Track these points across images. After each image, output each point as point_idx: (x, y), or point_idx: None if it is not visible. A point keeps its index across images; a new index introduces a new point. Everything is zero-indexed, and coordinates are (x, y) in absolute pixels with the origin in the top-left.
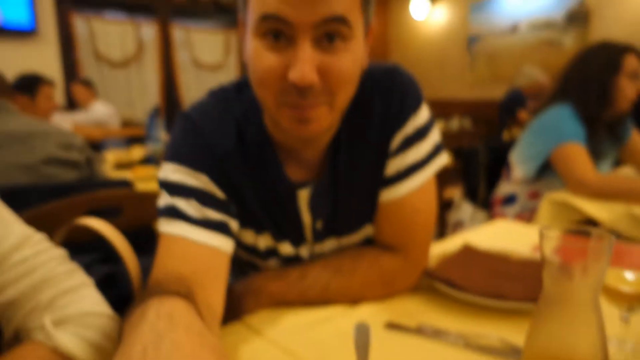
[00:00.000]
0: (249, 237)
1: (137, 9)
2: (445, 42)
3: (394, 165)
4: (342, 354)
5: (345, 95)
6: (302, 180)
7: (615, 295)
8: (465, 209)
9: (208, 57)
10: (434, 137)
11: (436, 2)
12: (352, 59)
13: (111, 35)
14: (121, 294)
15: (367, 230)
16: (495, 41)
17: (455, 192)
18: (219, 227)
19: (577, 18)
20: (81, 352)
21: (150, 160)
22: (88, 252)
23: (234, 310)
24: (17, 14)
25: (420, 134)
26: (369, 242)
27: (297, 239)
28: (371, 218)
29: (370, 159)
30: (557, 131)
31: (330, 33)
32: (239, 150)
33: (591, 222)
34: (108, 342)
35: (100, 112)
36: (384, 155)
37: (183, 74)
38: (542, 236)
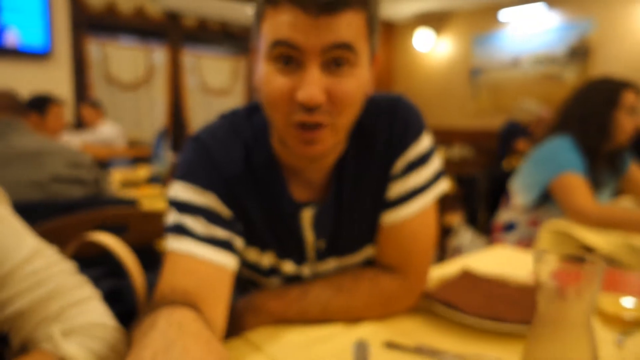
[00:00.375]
0: (253, 254)
1: (150, 34)
2: (449, 74)
3: (396, 189)
4: None
5: (348, 117)
6: (306, 200)
7: (611, 320)
8: (465, 235)
9: (216, 82)
10: (435, 164)
11: (440, 34)
12: (356, 84)
13: (123, 58)
14: (126, 309)
15: (368, 251)
16: (497, 74)
17: (455, 218)
18: (225, 245)
19: (578, 53)
20: None
21: (155, 180)
22: (95, 266)
23: (235, 326)
24: (33, 37)
25: (422, 160)
26: (369, 263)
27: (300, 258)
28: (372, 239)
29: (373, 182)
30: (557, 161)
31: (337, 58)
32: (247, 172)
33: (590, 250)
34: (113, 354)
35: (107, 132)
36: (387, 179)
37: (191, 97)
38: (537, 259)
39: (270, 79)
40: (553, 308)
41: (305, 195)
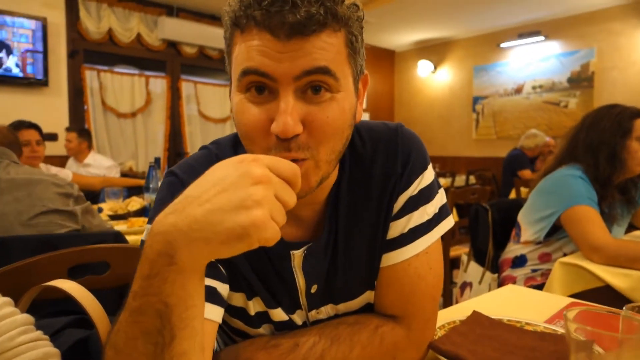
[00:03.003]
0: (239, 301)
1: (148, 63)
2: (450, 102)
3: (397, 227)
4: None
5: (331, 149)
6: (296, 241)
7: None
8: (473, 270)
9: (214, 110)
10: (440, 198)
11: (441, 63)
12: (339, 110)
13: (121, 87)
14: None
15: (367, 297)
16: (499, 101)
17: (461, 251)
18: (207, 295)
19: (581, 80)
20: None
21: (147, 212)
22: (63, 313)
23: None
24: (30, 65)
25: (426, 196)
26: (369, 310)
27: (291, 305)
28: (371, 284)
29: (371, 220)
30: (567, 193)
31: (314, 84)
32: None
33: (608, 288)
34: None
35: (97, 165)
36: (386, 217)
37: (189, 125)
38: (567, 319)
39: (243, 110)
40: None
41: (295, 235)
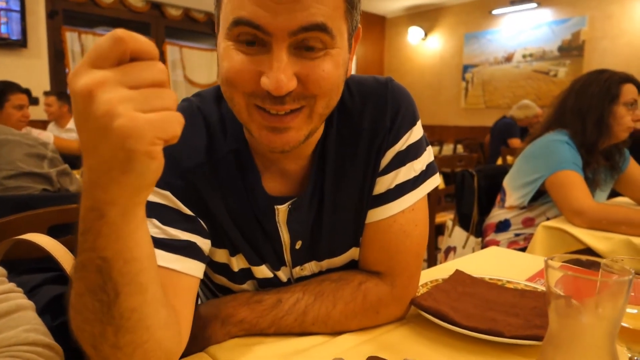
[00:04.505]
0: (222, 257)
1: (132, 25)
2: (440, 70)
3: (384, 183)
4: None
5: (327, 102)
6: (282, 195)
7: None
8: (457, 235)
9: (201, 76)
10: (428, 155)
11: (432, 30)
12: (334, 65)
13: None
14: None
15: (351, 254)
16: (489, 70)
17: (446, 217)
18: (185, 249)
19: (572, 49)
20: None
21: None
22: (45, 270)
23: (199, 338)
24: (8, 26)
25: (414, 152)
26: (353, 267)
27: (275, 262)
28: (356, 240)
29: (357, 175)
30: (553, 158)
31: (309, 44)
32: (209, 162)
33: (589, 252)
34: None
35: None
36: (373, 172)
37: (175, 92)
38: (547, 267)
39: (230, 56)
40: (567, 325)
41: (281, 189)
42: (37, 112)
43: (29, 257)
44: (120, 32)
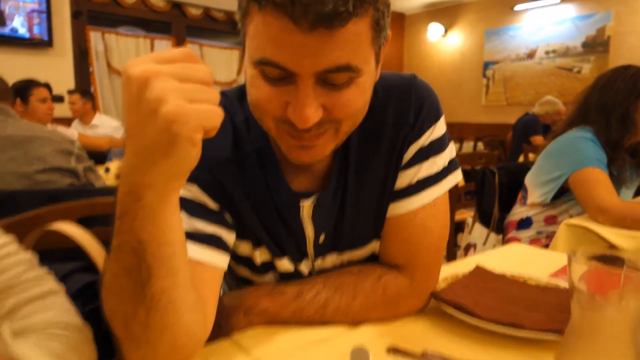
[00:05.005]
0: (245, 249)
1: (154, 24)
2: (461, 66)
3: (406, 178)
4: None
5: (353, 122)
6: (305, 190)
7: None
8: (477, 232)
9: (221, 73)
10: (450, 151)
11: (452, 26)
12: (360, 93)
13: (127, 49)
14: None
15: (372, 247)
16: (511, 66)
17: (466, 215)
18: (211, 241)
19: (597, 45)
20: None
21: None
22: (74, 259)
23: (223, 326)
24: (34, 25)
25: (437, 147)
26: (374, 260)
27: (297, 254)
28: (378, 233)
29: (380, 169)
30: (577, 155)
31: (334, 79)
32: (236, 158)
33: (613, 250)
34: (73, 355)
35: (104, 126)
36: (396, 167)
37: None
38: (570, 261)
39: (257, 86)
40: (589, 318)
41: (304, 185)
42: (62, 110)
43: (58, 247)
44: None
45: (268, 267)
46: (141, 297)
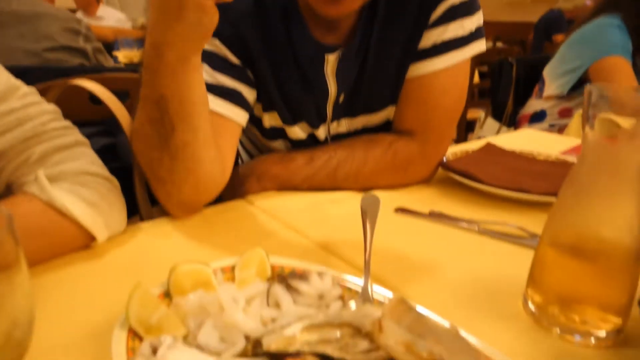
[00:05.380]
0: (256, 109)
1: None
2: None
3: (431, 37)
4: (349, 232)
5: None
6: (330, 44)
7: None
8: (489, 127)
9: None
10: (478, 18)
11: None
12: None
13: None
14: (122, 166)
15: (388, 112)
16: None
17: (479, 113)
18: (232, 96)
19: None
20: (77, 209)
21: None
22: (90, 125)
23: (237, 192)
24: None
25: (466, 9)
26: (387, 130)
27: (314, 119)
28: (395, 98)
29: (406, 26)
30: (601, 42)
31: None
32: (258, 12)
33: None
34: (105, 203)
35: (108, 18)
36: (423, 25)
37: None
38: (588, 93)
39: None
40: (599, 155)
41: (328, 40)
42: (65, 1)
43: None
44: None
45: (277, 133)
46: (165, 147)
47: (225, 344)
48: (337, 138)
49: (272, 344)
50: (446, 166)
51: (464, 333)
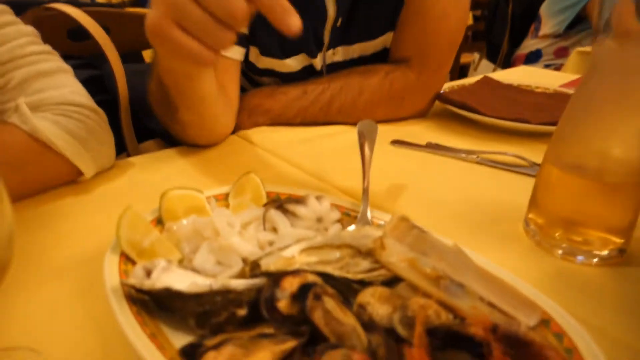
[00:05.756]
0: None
1: None
2: None
3: None
4: (345, 164)
5: None
6: None
7: None
8: (484, 68)
9: None
10: None
11: None
12: None
13: None
14: (107, 100)
15: (385, 39)
16: None
17: (474, 56)
18: None
19: None
20: (62, 142)
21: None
22: (70, 59)
23: None
24: None
25: None
26: (383, 60)
27: (312, 46)
28: (393, 24)
29: None
30: None
31: None
32: None
33: None
34: (91, 137)
35: None
36: None
37: None
38: None
39: None
40: (611, 63)
41: None
42: None
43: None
44: None
45: (267, 72)
46: (174, 118)
47: (221, 267)
48: (333, 68)
49: (270, 265)
50: (443, 98)
51: (466, 251)
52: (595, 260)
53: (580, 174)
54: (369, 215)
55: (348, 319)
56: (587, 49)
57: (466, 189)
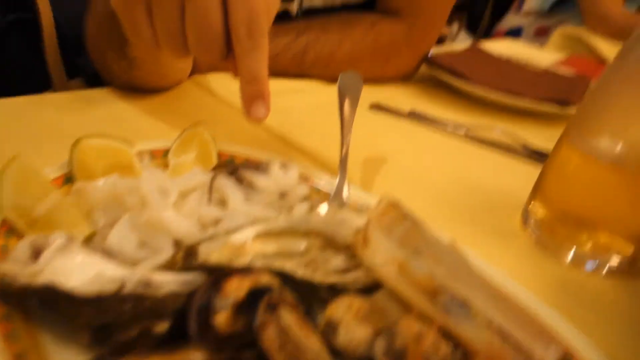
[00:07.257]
0: None
1: None
2: None
3: None
4: (317, 127)
5: None
6: None
7: None
8: (462, 41)
9: None
10: None
11: None
12: None
13: None
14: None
15: None
16: None
17: (453, 27)
18: None
19: None
20: None
21: None
22: None
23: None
24: None
25: None
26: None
27: None
28: None
29: None
30: None
31: None
32: None
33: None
34: None
35: None
36: None
37: None
38: None
39: None
40: None
41: None
42: None
43: None
44: None
45: None
46: (126, 45)
47: (145, 251)
48: (310, 15)
49: (212, 253)
50: (431, 61)
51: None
52: (606, 269)
53: (603, 160)
54: (345, 192)
55: (311, 342)
56: (571, 29)
57: (455, 170)
